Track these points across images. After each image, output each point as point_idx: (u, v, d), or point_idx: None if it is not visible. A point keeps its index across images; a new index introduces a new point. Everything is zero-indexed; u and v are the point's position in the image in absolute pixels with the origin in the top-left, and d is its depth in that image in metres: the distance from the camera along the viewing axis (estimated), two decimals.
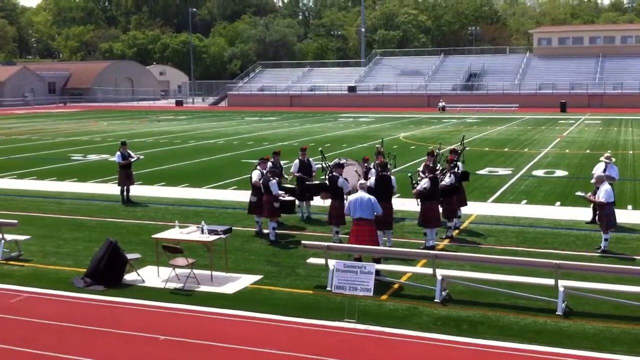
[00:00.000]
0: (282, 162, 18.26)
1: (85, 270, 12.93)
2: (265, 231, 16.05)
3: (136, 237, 16.14)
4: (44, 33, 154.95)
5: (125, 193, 20.69)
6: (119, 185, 20.85)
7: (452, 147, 20.21)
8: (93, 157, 33.07)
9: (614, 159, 17.50)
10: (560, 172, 26.12)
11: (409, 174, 16.31)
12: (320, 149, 20.13)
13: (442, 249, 14.62)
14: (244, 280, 12.65)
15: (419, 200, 14.89)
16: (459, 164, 16.43)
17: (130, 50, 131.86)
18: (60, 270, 13.51)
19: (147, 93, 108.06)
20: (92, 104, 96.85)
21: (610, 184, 15.07)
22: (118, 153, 20.88)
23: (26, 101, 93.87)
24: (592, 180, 15.78)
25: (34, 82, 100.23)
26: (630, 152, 32.47)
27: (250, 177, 16.53)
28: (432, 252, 12.66)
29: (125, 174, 20.69)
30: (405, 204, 18.57)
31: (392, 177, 14.83)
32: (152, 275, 12.95)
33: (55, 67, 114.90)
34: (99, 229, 17.18)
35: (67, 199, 21.50)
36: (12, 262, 14.14)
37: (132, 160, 20.99)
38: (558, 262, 11.17)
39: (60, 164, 30.41)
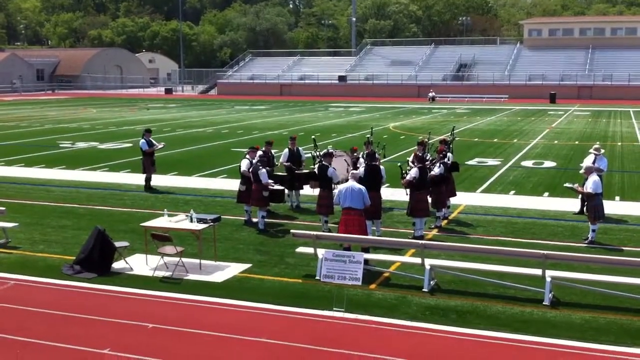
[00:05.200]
0: (272, 152, 18.24)
1: (73, 257, 12.89)
2: (255, 220, 16.04)
3: (125, 225, 16.09)
4: (33, 19, 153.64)
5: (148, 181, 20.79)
6: (143, 172, 20.85)
7: (442, 137, 20.25)
8: (82, 144, 32.90)
9: (602, 151, 17.58)
10: (549, 163, 26.23)
11: (399, 164, 16.33)
12: (313, 137, 20.11)
13: (430, 239, 14.66)
14: (233, 269, 12.65)
15: (408, 190, 14.93)
16: (449, 154, 16.47)
17: (119, 37, 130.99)
18: (49, 258, 13.46)
19: (137, 81, 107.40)
20: (80, 91, 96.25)
21: (598, 175, 15.16)
22: (143, 140, 20.75)
23: (14, 88, 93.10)
24: (581, 171, 15.86)
25: (22, 68, 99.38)
26: (619, 143, 32.62)
27: (240, 166, 16.52)
28: (420, 241, 12.70)
29: (150, 161, 20.70)
30: (394, 194, 18.61)
31: (381, 167, 14.84)
32: (140, 264, 12.92)
33: (44, 53, 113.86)
34: (87, 216, 17.11)
35: (55, 187, 21.40)
36: None
37: (158, 147, 20.96)
38: (546, 252, 11.25)
39: (48, 151, 30.25)
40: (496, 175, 23.31)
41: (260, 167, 15.50)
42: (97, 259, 12.48)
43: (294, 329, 9.88)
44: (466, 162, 25.51)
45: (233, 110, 59.07)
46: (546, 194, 20.07)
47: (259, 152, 16.50)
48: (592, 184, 14.39)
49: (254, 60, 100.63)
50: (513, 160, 26.96)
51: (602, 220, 14.94)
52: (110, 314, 10.43)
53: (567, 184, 16.07)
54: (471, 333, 9.72)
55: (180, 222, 13.15)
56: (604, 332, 9.73)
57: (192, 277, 12.21)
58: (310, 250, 12.42)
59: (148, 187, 20.67)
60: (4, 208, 14.88)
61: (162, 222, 13.19)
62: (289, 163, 17.84)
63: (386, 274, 12.30)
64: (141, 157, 21.04)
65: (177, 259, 12.42)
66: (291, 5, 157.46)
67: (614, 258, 11.69)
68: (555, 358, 8.97)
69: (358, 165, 15.62)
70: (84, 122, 45.68)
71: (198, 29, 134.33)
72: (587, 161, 16.82)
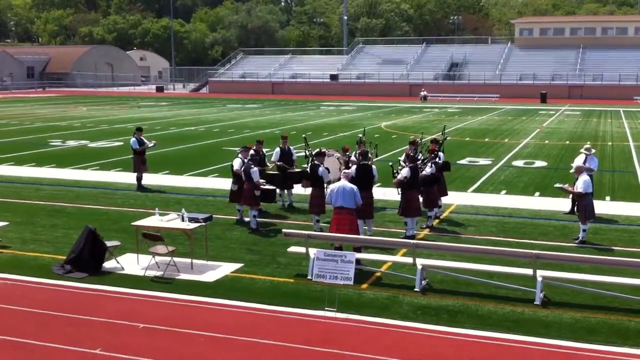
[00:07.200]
0: (263, 150, 18.23)
1: (64, 257, 12.84)
2: (247, 219, 16.03)
3: (116, 224, 16.05)
4: (23, 16, 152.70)
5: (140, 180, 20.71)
6: (134, 171, 20.77)
7: (434, 136, 20.29)
8: (72, 142, 32.76)
9: (593, 150, 17.65)
10: (539, 163, 26.31)
11: (390, 163, 16.34)
12: (304, 135, 20.11)
13: (422, 239, 14.69)
14: (225, 269, 12.64)
15: (399, 189, 14.95)
16: (440, 154, 16.50)
17: (110, 35, 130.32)
18: (39, 257, 13.41)
19: (128, 78, 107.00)
20: (71, 89, 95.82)
21: (589, 175, 15.21)
22: (134, 139, 20.63)
23: (4, 85, 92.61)
24: (572, 171, 15.92)
25: (12, 66, 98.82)
26: (609, 143, 32.76)
27: (232, 165, 16.51)
28: (412, 241, 12.71)
29: (141, 160, 20.61)
30: (386, 194, 18.63)
31: (373, 166, 14.84)
32: (131, 263, 12.89)
33: (34, 51, 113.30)
34: (78, 215, 17.05)
35: (45, 185, 21.31)
36: None
37: (149, 146, 20.87)
38: (537, 252, 11.29)
39: (38, 150, 30.11)
40: (487, 175, 23.37)
41: (252, 166, 15.48)
42: (88, 258, 12.44)
43: (286, 329, 9.88)
44: (457, 162, 25.55)
45: (224, 108, 58.95)
46: (537, 193, 20.14)
47: (251, 151, 16.48)
48: (582, 183, 14.44)
49: (246, 58, 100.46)
50: (504, 160, 27.03)
51: (593, 220, 15.00)
52: (101, 313, 10.39)
53: (557, 184, 16.13)
54: (462, 333, 9.75)
55: (172, 221, 13.12)
56: (594, 331, 9.78)
57: (183, 276, 12.19)
58: (302, 249, 12.42)
59: (139, 186, 20.60)
60: None
61: (154, 221, 13.15)
62: (280, 162, 17.83)
63: (378, 274, 12.32)
64: (132, 155, 20.97)
65: (169, 258, 12.39)
66: (283, 4, 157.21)
67: (604, 258, 11.74)
68: (546, 357, 9.00)
69: (350, 165, 15.63)
70: (75, 120, 45.49)
71: (189, 27, 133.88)
72: (578, 161, 16.87)
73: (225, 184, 19.03)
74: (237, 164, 16.10)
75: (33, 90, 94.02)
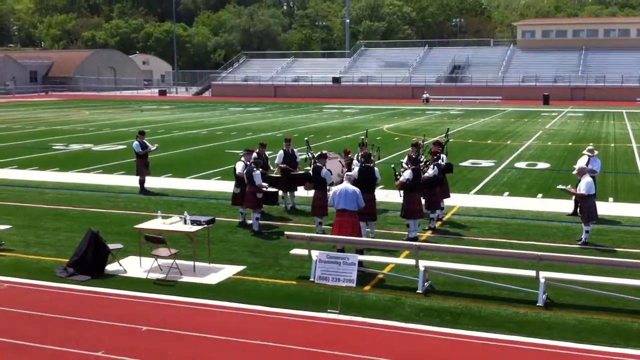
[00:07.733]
0: (266, 153, 18.26)
1: (67, 260, 12.86)
2: (249, 222, 16.03)
3: (118, 227, 16.06)
4: (26, 21, 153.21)
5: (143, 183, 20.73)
6: (137, 175, 20.78)
7: (436, 139, 20.28)
8: (75, 146, 32.81)
9: (596, 152, 17.63)
10: (542, 165, 26.28)
11: (392, 165, 16.35)
12: (306, 138, 20.11)
13: (424, 240, 14.68)
14: (227, 271, 12.64)
15: (401, 191, 14.94)
16: (443, 155, 16.49)
17: (112, 39, 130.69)
18: (42, 260, 13.42)
19: (130, 82, 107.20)
20: (74, 93, 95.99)
21: (592, 176, 15.19)
22: (136, 142, 20.66)
23: (7, 90, 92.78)
24: (574, 172, 15.91)
25: (15, 70, 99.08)
26: (612, 144, 32.72)
27: (234, 168, 16.53)
28: (414, 243, 12.70)
29: (144, 163, 20.63)
30: (388, 196, 18.62)
31: (376, 168, 14.84)
32: (134, 266, 12.90)
33: (37, 55, 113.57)
34: (81, 219, 17.06)
35: (48, 189, 21.34)
36: None
37: (151, 149, 20.87)
38: (539, 253, 11.27)
39: (41, 153, 30.16)
40: (490, 177, 23.35)
41: (255, 169, 15.49)
42: (91, 261, 12.45)
43: (288, 331, 9.87)
44: (460, 164, 25.54)
45: (227, 111, 59.00)
46: (540, 195, 20.12)
47: (254, 154, 16.49)
48: (585, 185, 14.43)
49: (248, 61, 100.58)
50: (507, 162, 27.01)
51: (596, 222, 14.98)
52: (104, 316, 10.40)
53: (560, 186, 16.11)
54: (465, 334, 9.73)
55: (174, 224, 13.13)
56: (597, 333, 9.76)
57: (186, 279, 12.19)
58: (304, 252, 12.41)
59: (142, 189, 20.63)
60: None
61: (156, 224, 13.16)
62: (284, 165, 17.84)
63: (380, 276, 12.30)
64: (135, 159, 20.99)
65: (171, 261, 12.40)
66: (285, 7, 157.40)
67: (607, 259, 11.72)
68: (549, 359, 8.99)
69: (352, 167, 15.64)
70: (78, 124, 45.55)
71: (192, 31, 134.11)
72: (581, 162, 16.86)
73: (228, 186, 19.04)
74: (239, 167, 16.12)
75: (36, 94, 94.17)
